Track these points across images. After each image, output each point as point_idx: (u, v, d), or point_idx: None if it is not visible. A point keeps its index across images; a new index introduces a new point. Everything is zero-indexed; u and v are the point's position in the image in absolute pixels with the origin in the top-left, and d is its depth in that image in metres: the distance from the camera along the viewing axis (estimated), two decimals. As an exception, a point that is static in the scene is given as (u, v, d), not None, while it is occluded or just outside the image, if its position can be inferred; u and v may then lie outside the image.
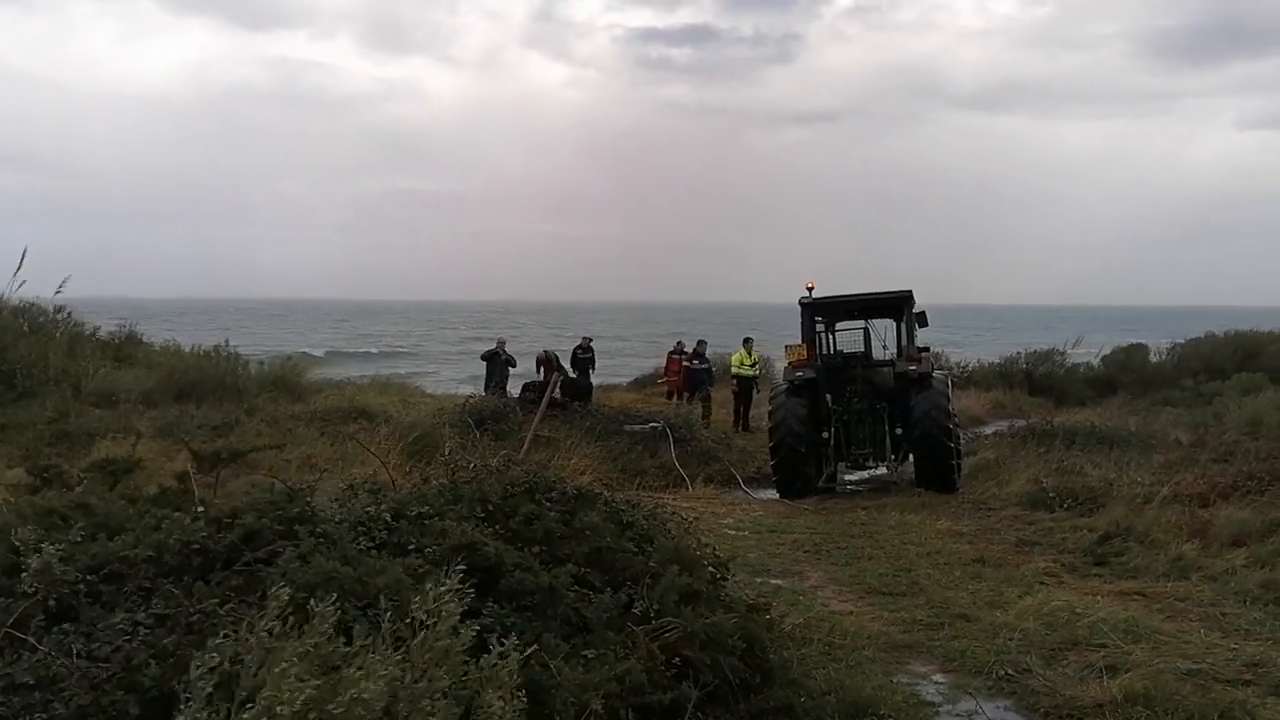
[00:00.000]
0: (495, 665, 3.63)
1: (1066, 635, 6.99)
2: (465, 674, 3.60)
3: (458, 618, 3.68)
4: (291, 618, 3.46)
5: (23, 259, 18.39)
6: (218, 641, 3.29)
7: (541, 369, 22.54)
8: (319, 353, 55.77)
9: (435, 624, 3.62)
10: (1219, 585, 8.30)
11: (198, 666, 3.12)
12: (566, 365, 23.52)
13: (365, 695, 3.12)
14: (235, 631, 3.42)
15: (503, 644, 3.77)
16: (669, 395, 22.95)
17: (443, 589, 3.76)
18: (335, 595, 3.71)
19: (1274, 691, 5.87)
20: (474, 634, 3.70)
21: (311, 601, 3.53)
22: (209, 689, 3.05)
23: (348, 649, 3.37)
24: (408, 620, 3.67)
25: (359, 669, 3.22)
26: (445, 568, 4.41)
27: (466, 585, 4.79)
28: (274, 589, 3.56)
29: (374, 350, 67.31)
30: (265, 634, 3.34)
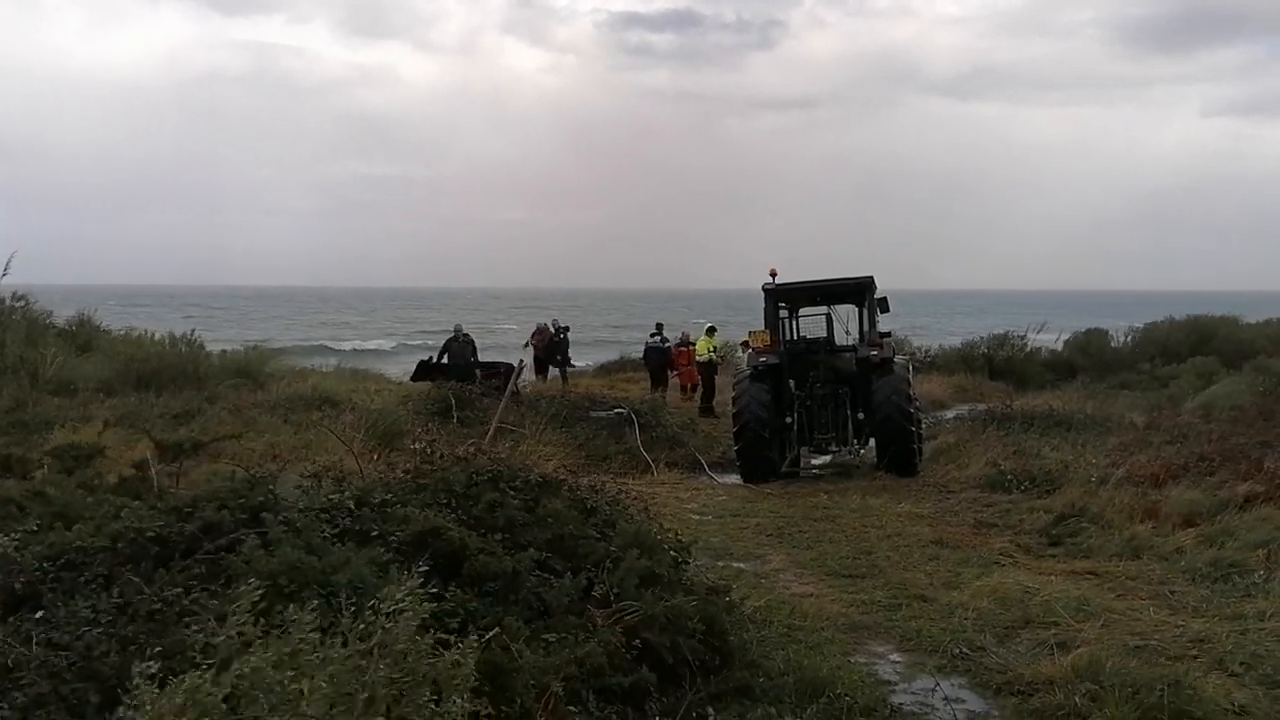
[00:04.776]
0: (457, 664, 3.61)
1: (1020, 614, 7.14)
2: (425, 673, 3.58)
3: (421, 619, 3.65)
4: (263, 618, 3.45)
5: None
6: (188, 633, 3.25)
7: (533, 340, 23.21)
8: (374, 345, 54.91)
9: (395, 625, 3.60)
10: (1169, 564, 8.48)
11: (152, 657, 3.10)
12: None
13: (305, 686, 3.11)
14: (205, 623, 3.39)
15: (464, 633, 3.75)
16: (683, 390, 22.43)
17: (403, 590, 3.71)
18: (307, 593, 3.69)
19: (1218, 666, 6.04)
20: (434, 634, 3.67)
21: (291, 608, 3.51)
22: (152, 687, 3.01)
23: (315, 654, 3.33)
24: (369, 616, 3.65)
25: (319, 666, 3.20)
26: (409, 563, 4.39)
27: (429, 574, 4.83)
28: (246, 585, 3.53)
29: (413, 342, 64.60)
30: (235, 633, 3.31)
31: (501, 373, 19.26)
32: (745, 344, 20.90)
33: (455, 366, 20.32)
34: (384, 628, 3.53)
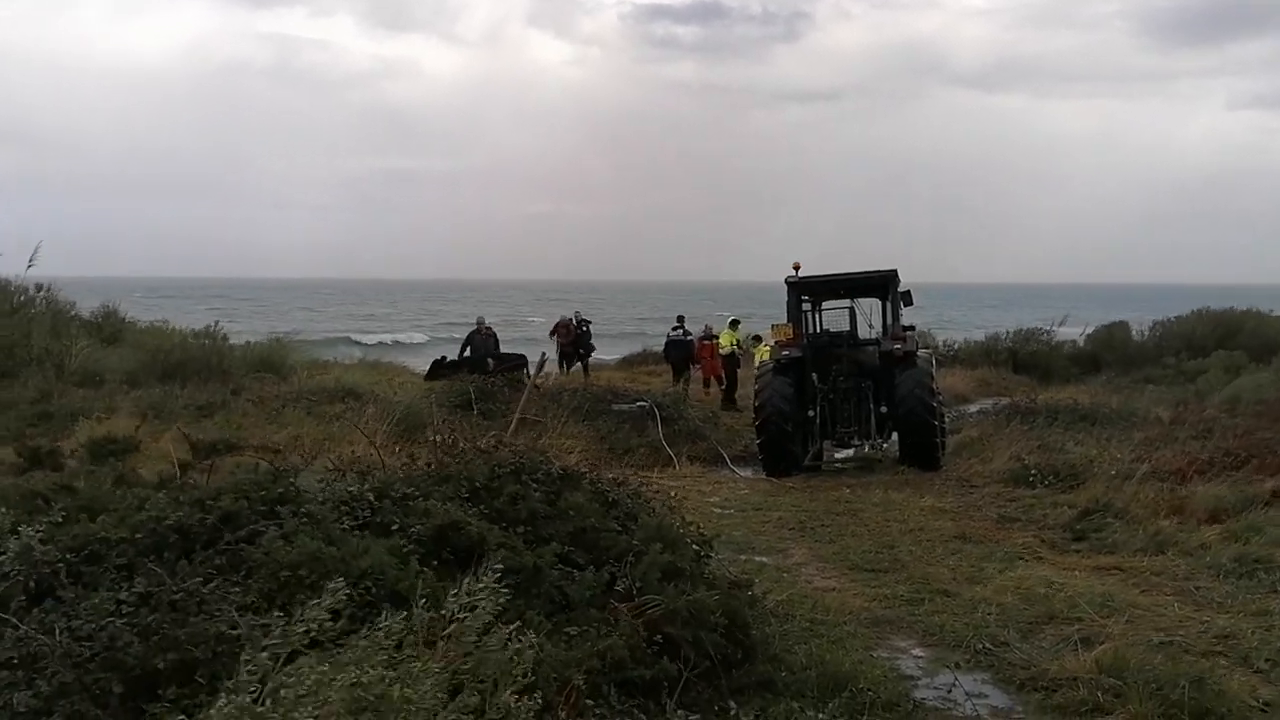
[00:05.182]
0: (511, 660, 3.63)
1: (1044, 609, 7.09)
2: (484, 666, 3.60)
3: (491, 617, 3.72)
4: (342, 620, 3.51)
5: None
6: (265, 643, 3.26)
7: (556, 332, 23.43)
8: (405, 337, 55.27)
9: (465, 619, 3.65)
10: (1194, 560, 8.40)
11: (246, 664, 3.12)
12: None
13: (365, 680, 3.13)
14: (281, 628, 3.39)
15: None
16: (705, 384, 22.34)
17: (480, 586, 3.78)
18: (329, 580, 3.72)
19: (1243, 662, 5.99)
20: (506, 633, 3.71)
21: (384, 614, 3.61)
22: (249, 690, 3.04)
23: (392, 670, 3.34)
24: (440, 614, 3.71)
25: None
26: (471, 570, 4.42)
27: (449, 566, 4.84)
28: (331, 584, 3.57)
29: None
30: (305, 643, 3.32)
31: (518, 364, 19.31)
32: (757, 339, 20.88)
33: (473, 360, 20.41)
34: (458, 619, 3.60)
